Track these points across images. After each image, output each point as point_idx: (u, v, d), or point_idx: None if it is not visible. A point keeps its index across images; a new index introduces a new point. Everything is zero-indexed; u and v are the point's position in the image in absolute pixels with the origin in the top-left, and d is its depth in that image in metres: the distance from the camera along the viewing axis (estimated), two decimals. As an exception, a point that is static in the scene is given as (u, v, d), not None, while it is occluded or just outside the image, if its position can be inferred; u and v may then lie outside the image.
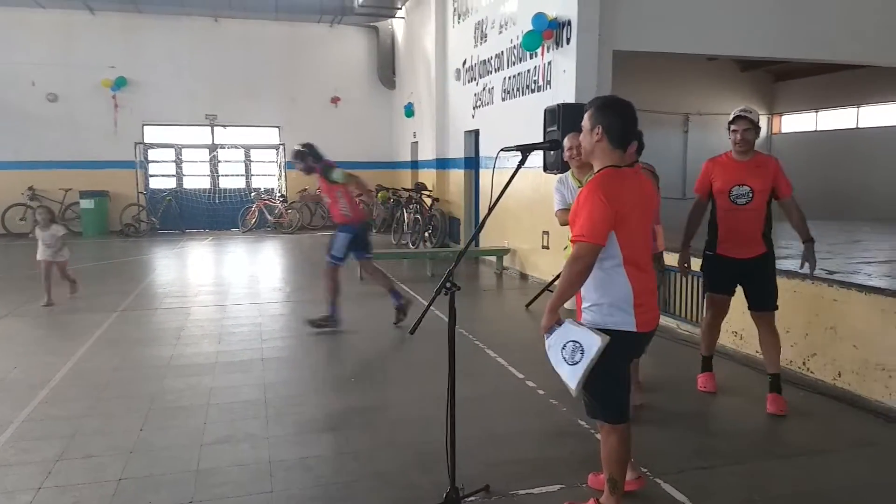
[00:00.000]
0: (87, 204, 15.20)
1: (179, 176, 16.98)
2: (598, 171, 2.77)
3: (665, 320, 6.50)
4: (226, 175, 17.21)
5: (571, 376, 2.75)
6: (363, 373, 5.19)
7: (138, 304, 7.79)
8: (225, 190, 16.94)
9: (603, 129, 2.73)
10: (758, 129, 4.35)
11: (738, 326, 5.46)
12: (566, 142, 4.45)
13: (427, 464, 3.52)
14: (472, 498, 3.14)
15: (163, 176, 16.82)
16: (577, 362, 2.74)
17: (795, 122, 15.65)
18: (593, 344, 2.73)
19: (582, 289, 2.78)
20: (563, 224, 4.35)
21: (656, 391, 4.78)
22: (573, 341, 2.77)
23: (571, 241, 2.73)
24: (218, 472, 3.48)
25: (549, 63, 8.50)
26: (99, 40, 15.68)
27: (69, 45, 15.54)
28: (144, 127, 16.30)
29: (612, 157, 2.76)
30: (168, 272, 10.74)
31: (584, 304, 2.80)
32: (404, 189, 14.40)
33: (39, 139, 15.43)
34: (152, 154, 16.63)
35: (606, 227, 2.63)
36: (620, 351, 2.75)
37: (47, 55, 15.39)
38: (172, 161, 16.87)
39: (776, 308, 4.40)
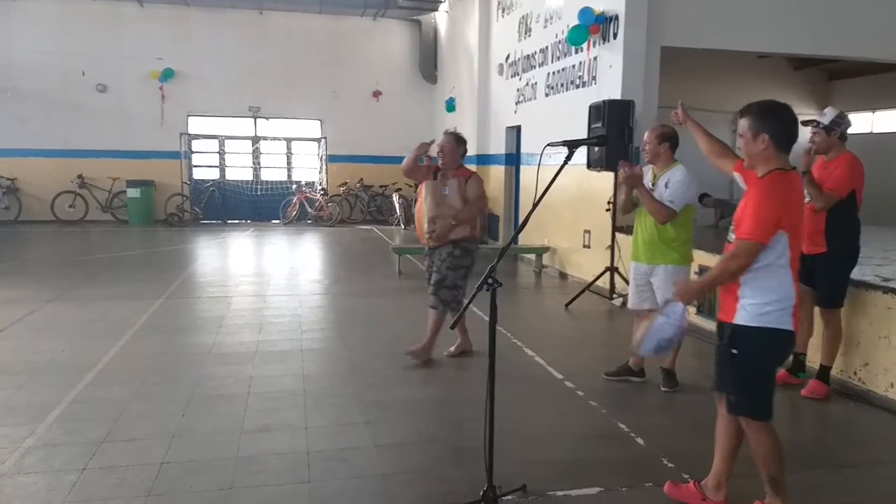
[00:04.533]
0: (133, 193, 15.56)
1: (223, 167, 17.25)
2: (769, 173, 2.78)
3: (710, 324, 6.36)
4: (268, 167, 17.42)
5: (648, 349, 3.13)
6: (400, 367, 5.18)
7: (181, 293, 7.94)
8: (267, 182, 17.16)
9: (769, 138, 2.75)
10: (829, 129, 4.49)
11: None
12: (646, 135, 4.69)
13: (463, 460, 3.50)
14: (509, 497, 3.11)
15: (207, 167, 17.09)
16: (658, 348, 3.14)
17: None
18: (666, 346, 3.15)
19: (744, 287, 2.79)
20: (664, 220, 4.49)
21: (701, 393, 4.68)
22: (668, 340, 3.08)
23: (736, 239, 2.78)
24: (257, 460, 3.51)
25: (595, 58, 8.39)
26: (147, 32, 16.01)
27: (118, 36, 15.89)
28: (189, 118, 16.60)
29: (777, 161, 2.78)
30: (210, 262, 10.93)
31: (748, 301, 2.78)
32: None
33: (89, 128, 15.84)
34: (196, 145, 16.92)
35: (773, 228, 2.69)
36: (780, 350, 2.88)
37: (97, 46, 15.76)
38: (216, 152, 17.13)
39: (834, 307, 4.55)
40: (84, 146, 15.82)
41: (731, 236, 2.85)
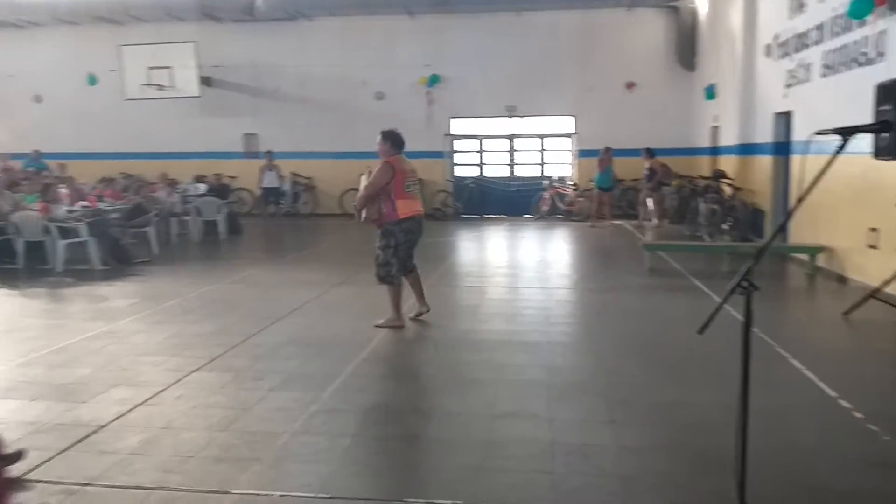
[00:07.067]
0: (405, 189, 17.15)
1: (481, 164, 18.22)
2: None
3: None
4: (521, 164, 18.00)
5: None
6: (648, 368, 5.07)
7: (444, 282, 8.60)
8: (520, 178, 17.73)
9: None
10: None
11: None
12: None
13: (711, 471, 3.34)
14: (763, 518, 2.91)
15: (466, 165, 18.18)
16: None
17: None
18: None
19: None
20: None
21: None
22: None
23: None
24: (504, 445, 3.72)
25: (883, 32, 7.27)
26: (416, 42, 17.46)
27: (392, 47, 17.56)
28: (451, 120, 17.78)
29: None
30: (469, 253, 11.67)
31: None
32: (701, 177, 13.55)
33: (368, 132, 17.63)
34: (457, 144, 18.08)
35: None
36: None
37: (374, 57, 17.59)
38: (475, 151, 18.15)
39: None
40: (365, 148, 17.75)
41: None
